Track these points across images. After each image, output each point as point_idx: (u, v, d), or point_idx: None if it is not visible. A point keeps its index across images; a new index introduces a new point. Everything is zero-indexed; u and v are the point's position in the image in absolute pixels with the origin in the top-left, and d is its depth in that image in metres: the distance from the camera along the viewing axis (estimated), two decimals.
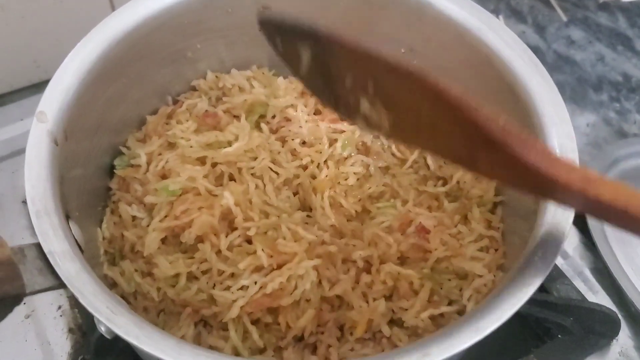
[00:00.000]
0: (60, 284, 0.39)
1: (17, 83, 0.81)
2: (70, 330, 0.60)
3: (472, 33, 0.56)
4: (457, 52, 0.58)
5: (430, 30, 0.59)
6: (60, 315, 0.60)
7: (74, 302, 0.61)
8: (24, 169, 0.69)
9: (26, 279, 0.38)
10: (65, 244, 0.41)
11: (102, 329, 0.41)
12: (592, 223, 0.68)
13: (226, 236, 0.52)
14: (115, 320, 0.38)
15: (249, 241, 0.52)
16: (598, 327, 0.59)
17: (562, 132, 0.49)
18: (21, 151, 0.72)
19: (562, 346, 0.60)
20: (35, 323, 0.59)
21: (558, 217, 0.44)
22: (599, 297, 0.65)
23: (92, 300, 0.39)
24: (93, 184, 0.56)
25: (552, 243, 0.43)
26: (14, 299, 0.37)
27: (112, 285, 0.53)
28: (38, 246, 0.40)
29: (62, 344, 0.59)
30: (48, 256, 0.40)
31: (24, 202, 0.67)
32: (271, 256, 0.51)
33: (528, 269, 0.42)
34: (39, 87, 0.81)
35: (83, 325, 0.60)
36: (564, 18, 1.01)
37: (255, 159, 0.57)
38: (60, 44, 0.79)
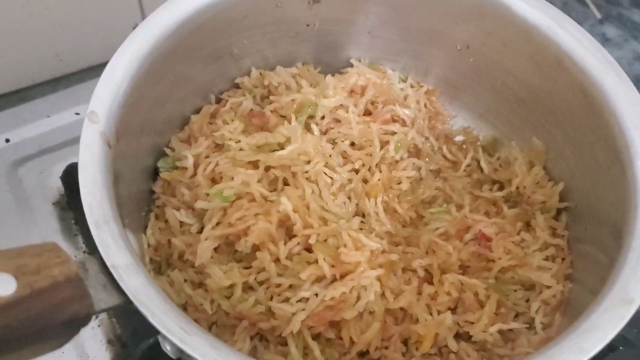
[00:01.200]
0: (128, 300, 0.36)
1: (38, 77, 0.78)
2: (109, 342, 0.56)
3: (539, 30, 0.53)
4: (521, 50, 0.55)
5: (491, 26, 0.56)
6: (98, 326, 0.57)
7: (112, 312, 0.58)
8: (51, 168, 0.67)
9: (92, 296, 0.34)
10: (128, 256, 0.38)
11: (168, 348, 0.38)
12: None
13: (285, 244, 0.48)
14: (190, 341, 0.35)
15: (308, 249, 0.49)
16: None
17: None
18: (48, 150, 0.69)
19: (624, 359, 0.57)
20: None
21: None
22: None
23: (163, 318, 0.35)
24: (138, 187, 0.53)
25: None
26: (82, 320, 0.34)
27: None
28: (99, 259, 0.37)
29: (101, 356, 0.56)
30: (111, 270, 0.36)
31: (54, 203, 0.65)
32: (333, 266, 0.47)
33: (626, 284, 0.39)
34: (60, 81, 0.78)
35: (122, 335, 0.57)
36: (598, 15, 0.98)
37: (308, 162, 0.53)
38: (84, 37, 0.76)
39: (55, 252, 0.33)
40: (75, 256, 0.61)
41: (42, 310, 0.31)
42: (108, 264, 0.36)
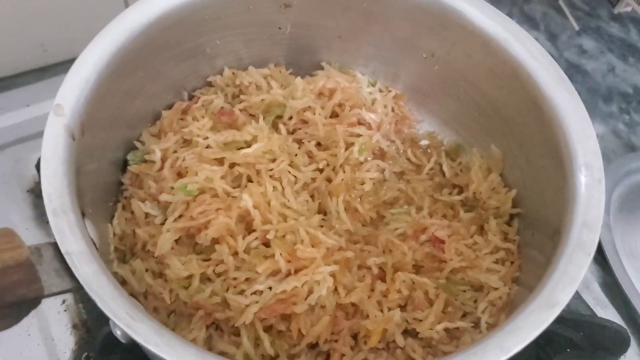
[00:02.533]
0: (78, 286, 0.38)
1: (22, 66, 0.79)
2: (75, 326, 0.58)
3: (497, 42, 0.55)
4: (482, 61, 0.57)
5: (454, 37, 0.58)
6: (65, 310, 0.59)
7: (79, 297, 0.60)
8: (28, 157, 0.69)
9: (43, 280, 0.36)
10: (82, 244, 0.40)
11: (119, 333, 0.40)
12: (604, 236, 0.67)
13: (243, 238, 0.51)
14: (135, 326, 0.37)
15: (266, 244, 0.51)
16: (607, 344, 0.59)
17: (588, 150, 0.49)
18: (26, 138, 0.71)
19: None
20: (39, 317, 0.58)
21: (584, 237, 0.44)
22: (607, 311, 0.65)
23: (111, 304, 0.37)
24: (105, 178, 0.55)
25: (577, 263, 0.43)
26: (31, 303, 0.36)
27: (121, 283, 0.52)
28: (55, 245, 0.39)
29: (66, 340, 0.58)
30: (65, 257, 0.38)
31: (29, 191, 0.67)
32: (289, 261, 0.50)
33: (553, 288, 0.41)
34: (45, 70, 0.80)
35: (88, 321, 0.59)
36: (576, 27, 1.01)
37: (273, 160, 0.56)
38: (69, 28, 0.77)
39: (9, 237, 0.35)
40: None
41: None
42: (62, 250, 0.39)
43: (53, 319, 0.58)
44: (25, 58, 0.78)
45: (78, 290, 0.38)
